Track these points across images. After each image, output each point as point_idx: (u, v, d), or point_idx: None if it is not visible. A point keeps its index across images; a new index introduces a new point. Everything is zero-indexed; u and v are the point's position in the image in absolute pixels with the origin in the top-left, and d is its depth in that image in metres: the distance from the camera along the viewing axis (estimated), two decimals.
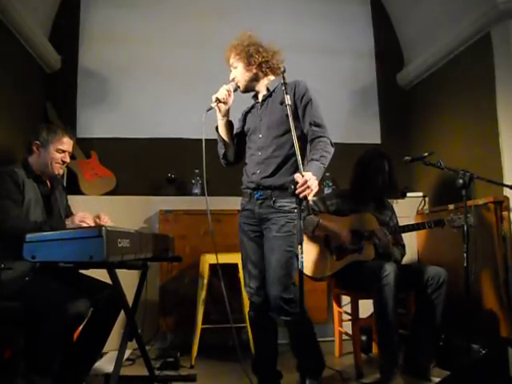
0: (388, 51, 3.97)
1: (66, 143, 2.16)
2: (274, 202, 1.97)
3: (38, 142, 2.11)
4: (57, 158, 2.13)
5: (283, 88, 1.87)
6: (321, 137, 1.93)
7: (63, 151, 2.15)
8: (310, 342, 2.04)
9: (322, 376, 2.08)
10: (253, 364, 2.14)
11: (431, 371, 2.29)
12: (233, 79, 2.09)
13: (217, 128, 2.14)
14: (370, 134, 3.85)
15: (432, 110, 3.59)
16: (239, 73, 2.06)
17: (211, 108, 2.01)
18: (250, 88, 2.10)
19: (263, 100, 2.10)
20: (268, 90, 2.09)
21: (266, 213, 1.99)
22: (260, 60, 2.02)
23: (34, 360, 1.79)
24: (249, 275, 2.07)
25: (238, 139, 2.19)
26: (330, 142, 1.94)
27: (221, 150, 2.19)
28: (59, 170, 2.16)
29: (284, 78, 1.91)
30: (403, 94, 3.98)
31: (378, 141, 3.86)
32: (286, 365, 2.20)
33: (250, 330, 2.64)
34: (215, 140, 2.17)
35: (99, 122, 3.53)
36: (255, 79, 2.08)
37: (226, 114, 2.10)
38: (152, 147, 3.53)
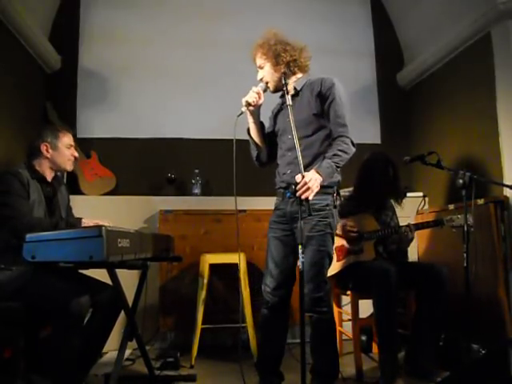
0: (388, 51, 3.97)
1: (70, 137, 2.20)
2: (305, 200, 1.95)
3: (47, 144, 2.12)
4: (68, 154, 2.17)
5: (284, 88, 1.88)
6: (341, 136, 1.92)
7: (70, 145, 2.19)
8: (330, 343, 2.02)
9: None
10: (257, 363, 2.14)
11: (434, 373, 2.28)
12: (261, 79, 2.05)
13: (248, 130, 2.12)
14: (370, 134, 3.84)
15: (432, 110, 3.59)
16: (267, 73, 2.02)
17: (242, 113, 1.98)
18: (279, 88, 2.05)
19: (291, 100, 2.05)
20: (295, 89, 2.07)
21: (297, 211, 1.95)
22: (288, 59, 1.97)
23: (33, 360, 1.79)
24: (268, 274, 2.06)
25: (270, 139, 2.17)
26: (351, 142, 1.93)
27: (254, 153, 2.18)
28: (72, 166, 2.22)
29: (285, 79, 1.92)
30: (403, 94, 3.98)
31: (378, 141, 3.85)
32: (287, 365, 2.21)
33: (250, 329, 2.65)
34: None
35: (99, 122, 3.53)
36: (279, 80, 2.02)
37: (257, 116, 2.08)
38: (152, 147, 3.53)
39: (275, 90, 2.06)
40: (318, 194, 1.78)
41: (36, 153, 2.12)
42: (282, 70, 1.99)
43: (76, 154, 2.21)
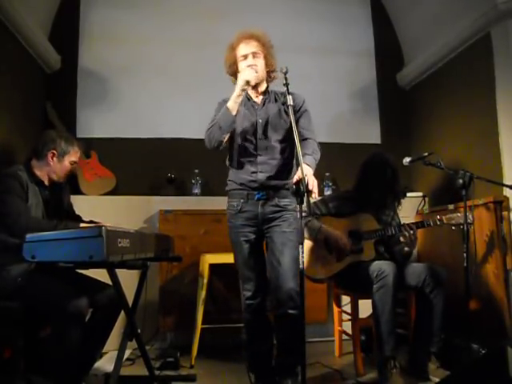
0: (388, 51, 3.97)
1: (77, 156, 2.21)
2: (278, 201, 2.02)
3: (54, 152, 2.11)
4: (68, 169, 2.18)
5: (285, 88, 1.87)
6: (310, 138, 2.02)
7: (74, 163, 2.20)
8: (298, 335, 2.05)
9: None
10: (248, 363, 2.15)
11: (429, 370, 2.28)
12: (255, 65, 2.02)
13: (227, 109, 1.99)
14: (370, 134, 3.85)
15: (432, 110, 3.59)
16: (260, 65, 2.05)
17: (244, 90, 1.99)
18: (256, 85, 2.09)
19: (263, 102, 2.11)
20: (268, 93, 2.12)
21: (271, 212, 2.02)
22: (273, 65, 2.10)
23: (33, 360, 1.80)
24: (246, 278, 2.08)
25: None
26: (318, 145, 2.04)
27: (222, 135, 2.00)
28: (65, 178, 2.22)
29: (286, 79, 1.91)
30: (403, 94, 3.97)
31: (378, 141, 3.85)
32: None
33: None
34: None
35: (99, 122, 3.53)
36: (263, 79, 2.11)
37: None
38: (152, 147, 3.53)
39: (254, 85, 2.08)
40: (288, 196, 2.01)
41: (40, 156, 2.11)
42: (266, 72, 2.09)
43: (75, 171, 2.22)
